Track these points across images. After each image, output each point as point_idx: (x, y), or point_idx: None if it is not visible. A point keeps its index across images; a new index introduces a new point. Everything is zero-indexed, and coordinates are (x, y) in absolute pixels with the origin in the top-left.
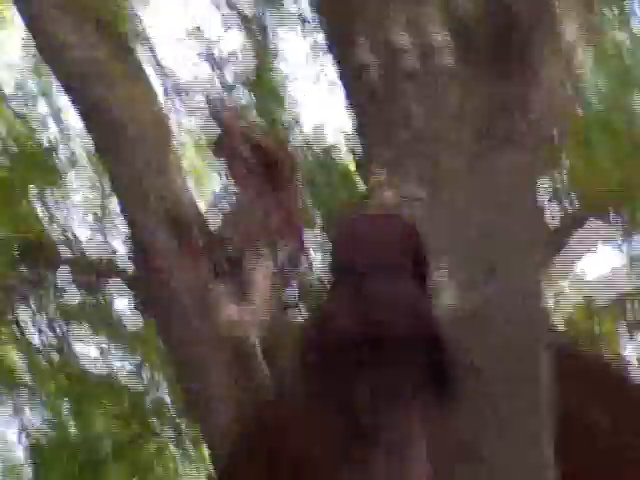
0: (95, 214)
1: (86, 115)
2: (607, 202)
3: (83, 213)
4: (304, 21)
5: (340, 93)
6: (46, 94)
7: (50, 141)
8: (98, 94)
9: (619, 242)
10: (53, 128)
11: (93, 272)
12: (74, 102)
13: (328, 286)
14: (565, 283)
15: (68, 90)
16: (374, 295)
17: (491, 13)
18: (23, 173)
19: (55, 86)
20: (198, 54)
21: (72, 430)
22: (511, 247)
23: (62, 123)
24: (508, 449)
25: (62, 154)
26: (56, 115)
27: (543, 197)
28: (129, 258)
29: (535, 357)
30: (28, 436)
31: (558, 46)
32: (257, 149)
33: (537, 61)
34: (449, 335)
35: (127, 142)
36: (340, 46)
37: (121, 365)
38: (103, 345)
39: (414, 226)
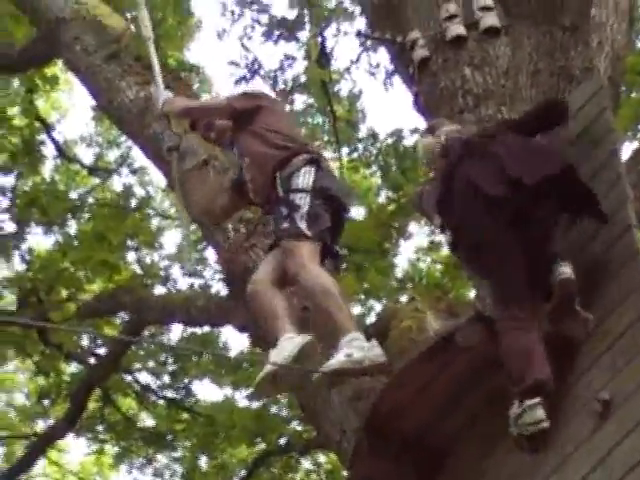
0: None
1: (149, 153)
2: None
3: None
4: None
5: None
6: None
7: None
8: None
9: None
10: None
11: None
12: (138, 145)
13: None
14: None
15: (130, 135)
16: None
17: None
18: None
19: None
20: (247, 68)
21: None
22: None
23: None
24: None
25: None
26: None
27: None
28: (222, 280)
29: None
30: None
31: None
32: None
33: (585, 4)
34: None
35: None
36: (385, 28)
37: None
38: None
39: None
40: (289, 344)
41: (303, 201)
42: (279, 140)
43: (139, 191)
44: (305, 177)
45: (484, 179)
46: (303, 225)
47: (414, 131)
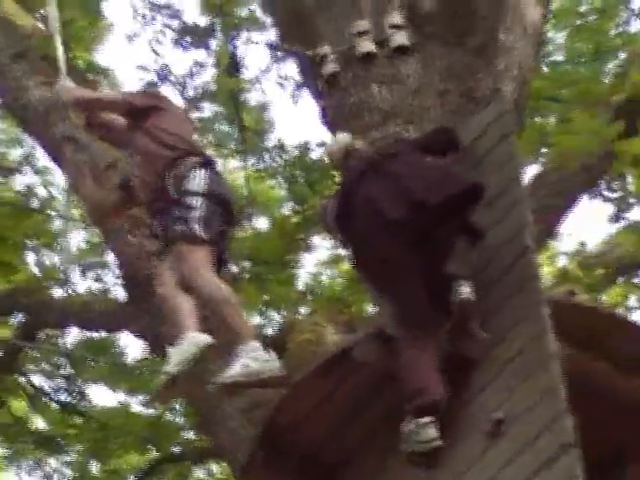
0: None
1: (55, 154)
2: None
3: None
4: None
5: (305, 93)
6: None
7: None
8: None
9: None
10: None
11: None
12: (42, 145)
13: None
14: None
15: (34, 134)
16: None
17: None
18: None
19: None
20: (156, 75)
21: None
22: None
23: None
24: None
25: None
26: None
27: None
28: (122, 285)
29: None
30: None
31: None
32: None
33: (494, 27)
34: None
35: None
36: (295, 40)
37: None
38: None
39: None
40: (189, 344)
41: (197, 204)
42: (171, 141)
43: (41, 191)
44: (199, 180)
45: (385, 200)
46: (198, 228)
47: (321, 144)
